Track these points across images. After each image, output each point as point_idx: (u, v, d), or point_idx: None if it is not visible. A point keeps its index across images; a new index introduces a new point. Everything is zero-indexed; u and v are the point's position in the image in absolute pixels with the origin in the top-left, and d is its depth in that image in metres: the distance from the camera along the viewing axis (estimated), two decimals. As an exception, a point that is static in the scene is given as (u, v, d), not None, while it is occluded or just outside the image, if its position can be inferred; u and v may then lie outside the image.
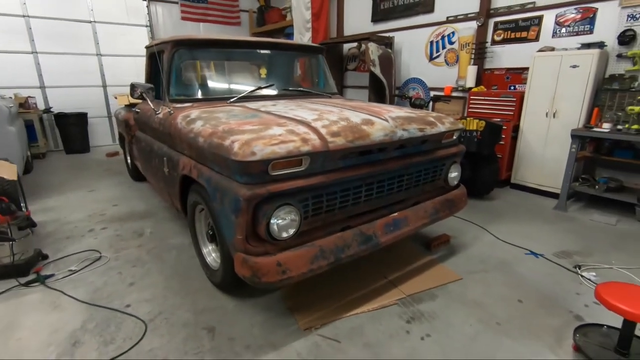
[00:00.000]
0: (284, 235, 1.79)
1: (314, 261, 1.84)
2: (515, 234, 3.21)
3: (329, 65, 6.92)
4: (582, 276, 2.53)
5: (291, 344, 1.89)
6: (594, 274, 2.55)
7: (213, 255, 2.40)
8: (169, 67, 2.79)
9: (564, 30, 4.12)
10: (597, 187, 3.70)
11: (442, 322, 2.06)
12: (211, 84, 2.97)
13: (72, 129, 6.64)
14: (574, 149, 3.62)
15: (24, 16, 6.31)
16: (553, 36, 4.21)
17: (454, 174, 2.69)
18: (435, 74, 5.59)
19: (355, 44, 6.74)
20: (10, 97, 5.63)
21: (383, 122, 2.13)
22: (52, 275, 2.51)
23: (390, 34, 5.97)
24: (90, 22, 6.93)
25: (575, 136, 3.59)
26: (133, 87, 2.81)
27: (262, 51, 3.18)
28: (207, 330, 2.00)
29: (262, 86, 2.96)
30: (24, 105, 6.05)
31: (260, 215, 1.72)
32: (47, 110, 6.61)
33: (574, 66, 3.76)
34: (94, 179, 5.04)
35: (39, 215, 3.63)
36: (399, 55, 6.02)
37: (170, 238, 3.14)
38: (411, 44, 5.82)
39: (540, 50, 4.09)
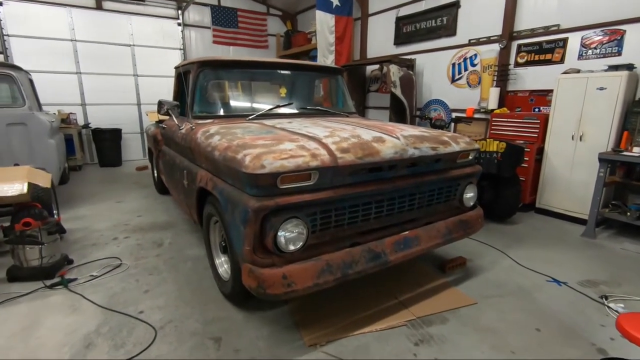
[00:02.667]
0: (291, 248, 1.81)
1: (320, 276, 1.85)
2: (537, 260, 3.08)
3: (352, 86, 7.10)
4: (608, 307, 2.38)
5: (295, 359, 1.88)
6: (622, 305, 2.39)
7: (225, 266, 2.45)
8: (194, 86, 2.96)
9: (590, 52, 4.03)
10: (628, 214, 3.50)
11: (452, 346, 1.99)
12: (232, 102, 3.11)
13: (107, 144, 7.05)
14: (602, 174, 3.47)
15: (71, 40, 6.89)
16: (579, 58, 4.13)
17: (469, 195, 2.64)
18: (457, 96, 5.57)
19: (377, 66, 6.87)
20: (54, 113, 6.08)
21: (394, 140, 2.15)
22: (75, 279, 2.64)
23: (412, 56, 6.05)
24: (129, 45, 7.46)
25: (603, 160, 3.45)
26: (160, 104, 3.00)
27: (282, 71, 3.31)
28: (214, 340, 2.02)
29: (281, 104, 3.07)
30: (66, 120, 6.52)
31: (267, 227, 1.76)
32: (86, 125, 7.08)
33: (601, 88, 3.65)
34: (123, 191, 5.29)
35: (70, 222, 3.85)
36: (420, 77, 6.06)
37: (187, 249, 3.23)
38: (433, 65, 5.86)
39: (565, 72, 4.01)
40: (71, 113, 6.76)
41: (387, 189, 2.11)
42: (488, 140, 3.77)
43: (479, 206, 2.80)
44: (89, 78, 7.18)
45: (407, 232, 2.26)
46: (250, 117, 2.85)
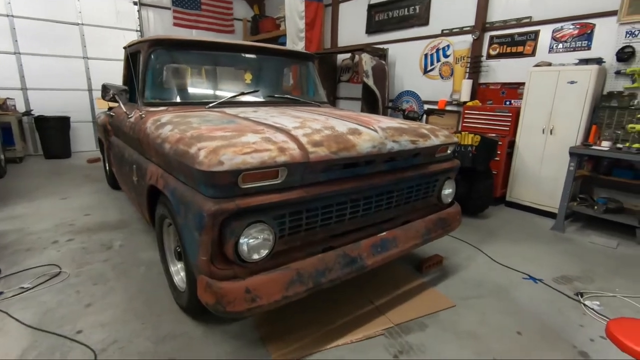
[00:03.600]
0: (255, 257, 1.57)
1: (290, 287, 1.62)
2: (512, 256, 3.02)
3: (322, 76, 6.83)
4: (585, 305, 2.34)
5: (261, 381, 1.66)
6: (597, 302, 2.36)
7: (181, 274, 2.17)
8: (144, 68, 2.59)
9: (560, 45, 4.03)
10: (595, 207, 3.55)
11: (433, 355, 1.84)
12: (189, 88, 2.78)
13: (53, 133, 6.37)
14: (572, 167, 3.47)
15: (7, 16, 6.11)
16: (550, 51, 4.12)
17: (447, 191, 2.51)
18: (430, 88, 5.47)
19: (349, 55, 6.65)
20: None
21: (372, 132, 1.94)
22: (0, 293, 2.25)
23: (385, 46, 5.87)
24: (77, 24, 6.75)
25: (573, 154, 3.45)
26: (105, 88, 2.61)
27: (247, 55, 3.01)
28: (167, 363, 1.75)
29: (245, 92, 2.77)
30: (2, 106, 5.79)
31: (227, 233, 1.50)
32: (27, 112, 6.35)
33: (572, 82, 3.65)
34: (70, 186, 4.77)
35: (2, 223, 3.36)
36: (392, 68, 5.91)
37: (141, 252, 2.89)
38: (405, 56, 5.72)
39: (536, 65, 3.98)
40: (8, 98, 6.01)
41: (364, 187, 1.91)
42: (463, 133, 3.67)
43: (456, 202, 2.67)
44: (31, 60, 6.42)
45: (384, 234, 2.07)
46: (210, 105, 2.53)
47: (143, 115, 2.34)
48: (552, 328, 2.10)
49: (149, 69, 2.58)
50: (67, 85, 6.84)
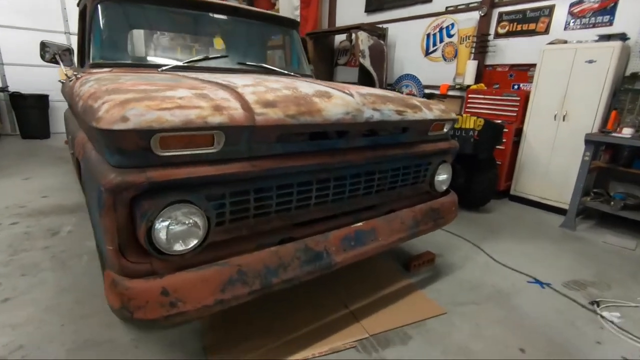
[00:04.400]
0: (179, 248, 1.19)
1: (227, 288, 1.25)
2: (515, 256, 2.63)
3: (318, 58, 6.40)
4: (602, 317, 1.95)
5: (188, 408, 1.29)
6: (617, 314, 1.97)
7: (115, 267, 1.79)
8: (89, 25, 2.20)
9: (578, 22, 3.59)
10: (612, 203, 3.14)
11: (414, 379, 1.47)
12: (143, 49, 2.38)
13: (30, 112, 6.01)
14: (587, 157, 3.06)
15: (-19, -16, 5.71)
16: (565, 28, 3.69)
17: (442, 177, 2.12)
18: (431, 71, 5.04)
19: (346, 37, 6.21)
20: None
21: (346, 96, 1.54)
22: None
23: (385, 25, 5.43)
24: (59, -4, 6.34)
25: (589, 142, 3.03)
26: (43, 45, 2.23)
27: (218, 16, 2.60)
28: (75, 378, 1.39)
29: (210, 56, 2.38)
30: (-27, 81, 5.42)
31: (138, 215, 1.12)
32: (3, 89, 5.98)
33: (590, 61, 3.22)
34: (39, 166, 4.41)
35: (-56, 203, 3.01)
36: (392, 50, 5.48)
37: (89, 240, 2.52)
38: (406, 37, 5.28)
39: (550, 43, 3.55)
40: (-19, 73, 5.66)
41: (335, 165, 1.52)
42: (464, 115, 3.26)
43: (452, 191, 2.28)
44: (7, 33, 6.03)
45: (360, 224, 1.69)
46: (164, 68, 2.14)
47: (79, 76, 1.95)
48: (563, 345, 1.72)
49: (94, 25, 2.19)
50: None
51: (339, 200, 1.67)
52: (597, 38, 3.28)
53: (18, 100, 5.89)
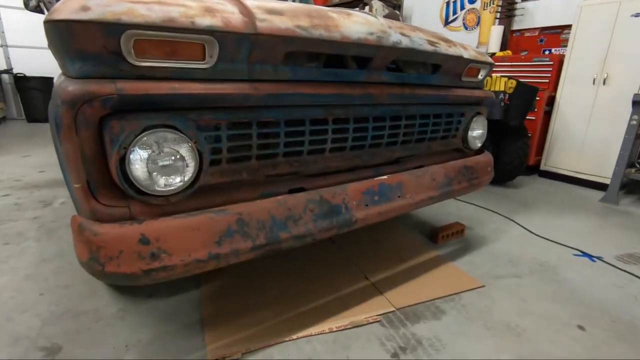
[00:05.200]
0: (162, 186, 0.94)
1: (224, 240, 1.00)
2: (554, 229, 2.33)
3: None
4: (670, 292, 1.65)
5: (178, 388, 1.06)
6: (689, 289, 1.67)
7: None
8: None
9: (621, -27, 3.21)
10: (661, 174, 2.80)
11: (453, 356, 1.20)
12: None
13: (35, 94, 5.87)
14: (634, 121, 2.72)
15: (-17, -38, 5.57)
16: (605, -17, 3.30)
17: (477, 132, 1.83)
18: (451, 42, 4.69)
19: (358, 10, 5.87)
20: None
21: (369, 17, 1.27)
22: None
23: (400, -5, 5.10)
24: (62, -25, 6.15)
25: (638, 103, 2.69)
26: (26, -8, 2.00)
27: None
28: (47, 351, 1.16)
29: None
30: (-25, 61, 5.30)
31: (109, 140, 0.88)
32: (7, 71, 5.86)
33: (637, 14, 2.86)
34: (39, 145, 4.26)
35: (-64, 177, 2.85)
36: (408, 21, 5.15)
37: (83, 210, 2.31)
38: (423, 6, 4.95)
39: (588, -1, 3.19)
40: (-17, 54, 5.54)
41: (355, 100, 1.26)
42: (493, 76, 2.94)
43: (486, 151, 2.00)
44: (11, 13, 5.90)
45: (385, 177, 1.42)
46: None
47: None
48: (629, 322, 1.43)
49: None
50: (51, 43, 6.30)
51: (359, 149, 1.40)
52: (644, -11, 2.91)
53: (22, 82, 5.76)
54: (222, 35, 0.94)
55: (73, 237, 0.95)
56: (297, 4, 1.16)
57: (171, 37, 0.89)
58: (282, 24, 1.02)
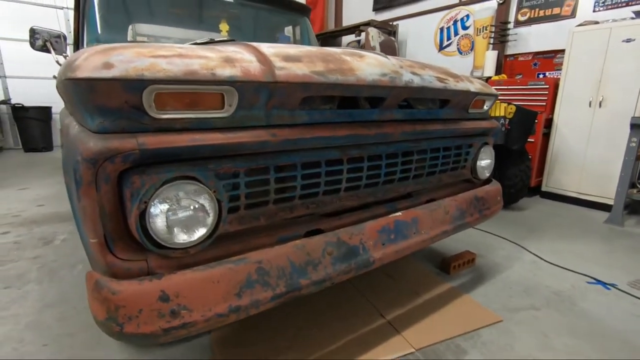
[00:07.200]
0: (182, 239, 0.92)
1: (244, 292, 0.96)
2: (564, 254, 2.32)
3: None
4: (690, 321, 1.63)
5: None
6: None
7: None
8: (83, 7, 1.99)
9: (609, 1, 3.33)
10: (663, 194, 2.82)
11: (481, 405, 1.16)
12: (142, 30, 2.16)
13: (32, 124, 5.86)
14: (633, 143, 2.76)
15: (-17, -3, 5.66)
16: (595, 10, 3.44)
17: (485, 162, 1.84)
18: (446, 65, 4.78)
19: (354, 37, 6.03)
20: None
21: (380, 57, 1.29)
22: None
23: (395, 22, 5.24)
24: (62, 8, 6.27)
25: (635, 125, 2.73)
26: (33, 32, 2.03)
27: (223, -1, 2.39)
28: (54, 412, 1.10)
29: (216, 39, 2.14)
30: (-27, 93, 5.30)
31: (128, 196, 0.86)
32: (5, 101, 5.86)
33: (629, 40, 2.95)
34: (37, 177, 4.20)
35: None
36: (403, 47, 5.28)
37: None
38: (418, 32, 5.08)
39: (579, 25, 3.29)
40: (-18, 85, 5.54)
41: (370, 139, 1.26)
42: (493, 102, 2.98)
43: (494, 179, 2.00)
44: (9, 45, 5.95)
45: (399, 214, 1.41)
46: (165, 49, 1.91)
47: (67, 56, 1.72)
48: (654, 357, 1.40)
49: (87, 7, 1.98)
50: (49, 72, 6.33)
51: (373, 186, 1.39)
52: (633, 15, 3.02)
53: (20, 112, 5.75)
54: (242, 85, 0.94)
55: (88, 294, 0.92)
56: (311, 48, 1.17)
57: (192, 89, 0.89)
58: (299, 70, 1.03)
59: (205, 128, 0.94)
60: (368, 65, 1.19)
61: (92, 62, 0.81)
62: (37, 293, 1.75)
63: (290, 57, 1.05)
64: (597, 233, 2.74)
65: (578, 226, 2.88)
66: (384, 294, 1.76)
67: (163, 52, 0.88)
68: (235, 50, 1.02)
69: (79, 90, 0.83)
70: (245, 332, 1.47)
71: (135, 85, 0.81)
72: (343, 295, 1.73)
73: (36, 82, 6.17)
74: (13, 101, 5.94)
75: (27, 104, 5.88)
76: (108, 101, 0.82)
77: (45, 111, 5.97)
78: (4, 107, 5.92)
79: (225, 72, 0.92)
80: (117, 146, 0.81)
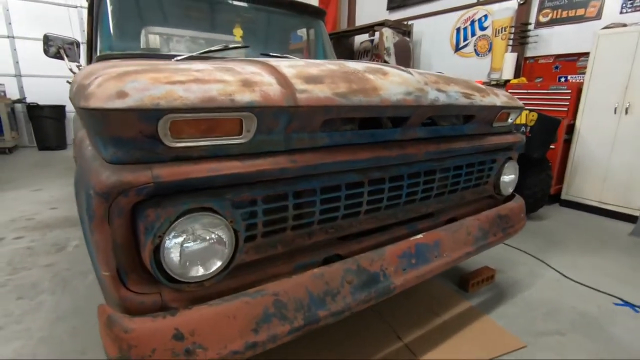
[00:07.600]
0: (197, 273, 0.88)
1: (261, 327, 0.92)
2: (588, 271, 2.22)
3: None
4: None
5: None
6: None
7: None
8: (97, 15, 1.96)
9: (638, 2, 3.18)
10: (693, 207, 2.69)
11: None
12: (156, 39, 2.13)
13: (47, 122, 5.92)
14: (663, 154, 2.63)
15: (0, -4, 5.71)
16: (622, 12, 3.28)
17: (509, 177, 1.76)
18: (462, 67, 4.68)
19: (367, 37, 5.93)
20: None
21: (404, 74, 1.22)
22: None
23: (409, 22, 5.12)
24: (75, 7, 6.30)
25: (666, 136, 2.61)
26: (47, 39, 2.01)
27: (237, 3, 2.34)
28: None
29: (230, 46, 2.10)
30: (-11, 92, 5.38)
31: (142, 229, 0.82)
32: (20, 100, 5.93)
33: (659, 44, 2.81)
34: (50, 178, 4.24)
35: (-52, 217, 2.82)
36: (418, 47, 5.16)
37: (98, 256, 2.25)
38: (434, 32, 4.95)
39: (605, 28, 3.15)
40: (-2, 84, 5.62)
41: (392, 161, 1.20)
42: (514, 109, 2.87)
43: (517, 195, 1.92)
44: (25, 44, 6.01)
45: (421, 236, 1.34)
46: (179, 58, 1.87)
47: (82, 67, 1.70)
48: (691, 392, 1.32)
49: (101, 14, 1.95)
50: (64, 72, 6.38)
51: (394, 207, 1.33)
52: (664, 18, 2.87)
53: (35, 111, 5.81)
54: (261, 111, 0.89)
55: (100, 329, 0.88)
56: (333, 66, 1.11)
57: (210, 116, 0.84)
58: (321, 93, 0.97)
59: (222, 155, 0.89)
60: (392, 84, 1.13)
61: (106, 90, 0.76)
62: (49, 304, 1.74)
63: (311, 79, 1.00)
64: (622, 246, 2.63)
65: (601, 238, 2.77)
66: (401, 312, 1.70)
67: (179, 78, 0.83)
68: (254, 72, 0.97)
69: (93, 121, 0.79)
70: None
71: (150, 115, 0.77)
72: (359, 313, 1.68)
73: (51, 80, 6.22)
74: (28, 100, 6.01)
75: (41, 102, 5.94)
76: (122, 132, 0.78)
77: (59, 110, 6.03)
78: (19, 105, 5.99)
79: (245, 97, 0.87)
80: (131, 180, 0.76)
